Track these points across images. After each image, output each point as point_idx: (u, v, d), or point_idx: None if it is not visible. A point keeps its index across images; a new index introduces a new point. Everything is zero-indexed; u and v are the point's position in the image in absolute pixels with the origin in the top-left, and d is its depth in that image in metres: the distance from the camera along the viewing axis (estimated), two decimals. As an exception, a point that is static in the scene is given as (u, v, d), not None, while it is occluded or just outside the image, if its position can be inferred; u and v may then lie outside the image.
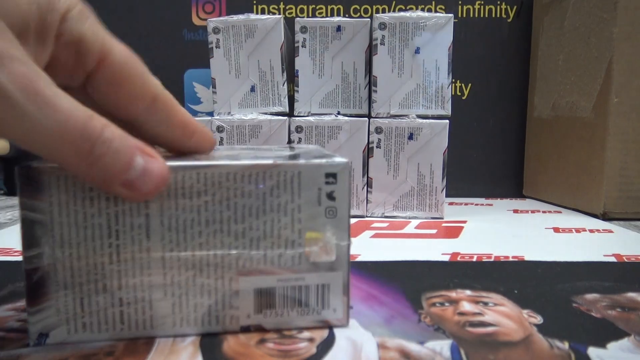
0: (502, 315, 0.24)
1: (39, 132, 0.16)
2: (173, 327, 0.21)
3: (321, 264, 0.21)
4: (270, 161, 0.21)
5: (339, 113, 0.53)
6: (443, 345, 0.20)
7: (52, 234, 0.19)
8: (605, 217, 0.52)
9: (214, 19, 0.53)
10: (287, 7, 0.69)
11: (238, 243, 0.21)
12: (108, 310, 0.20)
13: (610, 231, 0.46)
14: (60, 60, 0.19)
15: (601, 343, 0.21)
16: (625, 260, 0.35)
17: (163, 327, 0.21)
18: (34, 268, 0.19)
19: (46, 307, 0.20)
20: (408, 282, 0.29)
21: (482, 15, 0.69)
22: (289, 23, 0.56)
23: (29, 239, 0.19)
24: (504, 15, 0.69)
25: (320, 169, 0.21)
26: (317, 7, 0.69)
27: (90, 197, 0.19)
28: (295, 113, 0.54)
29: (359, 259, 0.35)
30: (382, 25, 0.51)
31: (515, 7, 0.69)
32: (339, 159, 0.21)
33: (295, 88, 0.54)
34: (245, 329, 0.21)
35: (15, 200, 0.64)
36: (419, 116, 0.51)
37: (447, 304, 0.25)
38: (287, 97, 0.53)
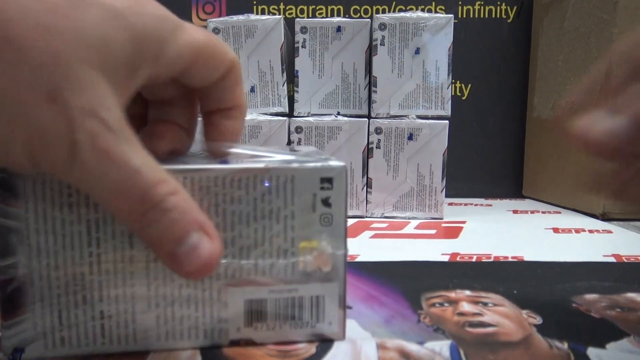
0: (501, 315, 0.24)
1: (99, 185, 0.16)
2: (157, 341, 0.20)
3: (316, 274, 0.20)
4: (261, 165, 0.19)
5: (338, 113, 0.53)
6: (442, 346, 0.20)
7: (28, 243, 0.18)
8: (604, 217, 0.52)
9: (214, 19, 0.53)
10: (287, 8, 0.69)
11: (227, 252, 0.19)
12: (88, 324, 0.19)
13: (610, 231, 0.46)
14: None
15: (600, 343, 0.21)
16: (625, 260, 0.35)
17: (146, 341, 0.19)
18: (8, 279, 0.18)
19: (21, 321, 0.18)
20: (408, 283, 0.29)
21: (482, 16, 0.69)
22: (289, 23, 0.56)
23: (3, 247, 0.18)
24: (504, 16, 0.69)
25: (315, 173, 0.20)
26: (317, 8, 0.69)
27: (69, 203, 0.18)
28: (295, 113, 0.54)
29: (358, 259, 0.35)
30: (382, 26, 0.51)
31: (515, 7, 0.69)
32: (335, 163, 0.20)
33: (295, 88, 0.54)
34: (235, 343, 0.20)
35: None
36: (419, 117, 0.51)
37: (446, 304, 0.25)
38: (286, 97, 0.53)
